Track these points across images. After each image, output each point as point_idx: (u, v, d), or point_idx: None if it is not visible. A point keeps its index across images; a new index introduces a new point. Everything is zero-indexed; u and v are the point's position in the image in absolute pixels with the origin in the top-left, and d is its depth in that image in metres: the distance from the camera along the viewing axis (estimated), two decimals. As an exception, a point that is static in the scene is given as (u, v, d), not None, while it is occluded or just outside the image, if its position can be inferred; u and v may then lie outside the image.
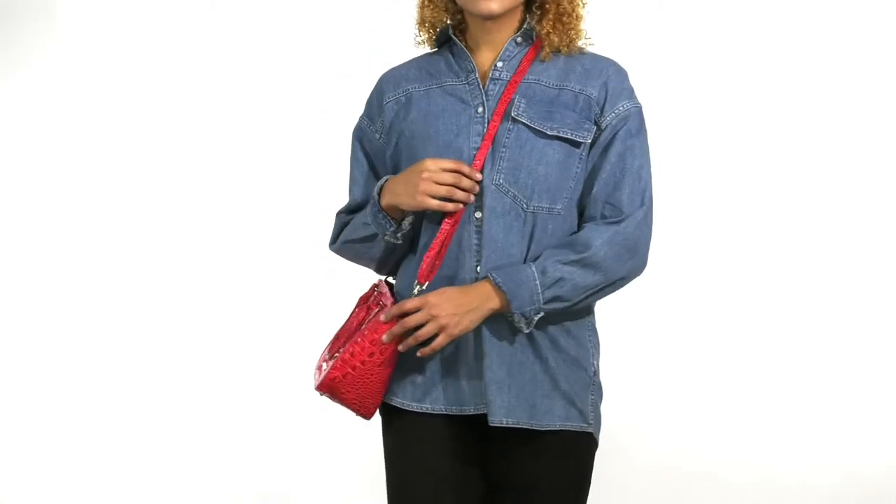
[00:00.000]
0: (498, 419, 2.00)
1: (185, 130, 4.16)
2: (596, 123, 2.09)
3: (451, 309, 1.96)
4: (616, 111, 2.12)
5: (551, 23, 2.09)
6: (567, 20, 2.10)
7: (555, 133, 2.04)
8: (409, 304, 1.97)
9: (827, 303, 4.09)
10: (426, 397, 2.04)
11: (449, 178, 1.98)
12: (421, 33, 2.15)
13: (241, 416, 4.07)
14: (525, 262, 2.02)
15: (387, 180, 2.06)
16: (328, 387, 2.00)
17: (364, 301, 2.11)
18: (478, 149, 2.03)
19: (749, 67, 4.13)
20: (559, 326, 2.06)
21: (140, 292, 4.14)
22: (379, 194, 2.06)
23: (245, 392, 4.09)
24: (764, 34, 4.13)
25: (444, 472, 2.05)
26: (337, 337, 2.10)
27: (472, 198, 2.00)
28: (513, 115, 2.05)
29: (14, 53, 4.19)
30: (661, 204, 4.06)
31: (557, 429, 2.03)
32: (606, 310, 3.97)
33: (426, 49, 2.18)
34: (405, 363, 2.05)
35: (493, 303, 1.97)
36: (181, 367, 4.11)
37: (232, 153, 4.15)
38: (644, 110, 2.25)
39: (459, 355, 2.04)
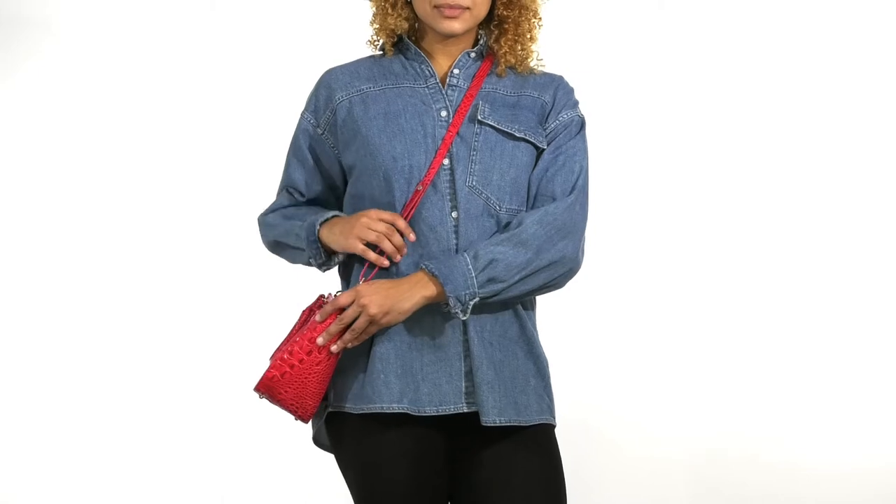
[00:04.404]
0: (492, 419, 2.03)
1: (185, 131, 4.16)
2: (543, 128, 2.14)
3: (380, 300, 1.97)
4: (560, 118, 2.16)
5: (510, 42, 2.14)
6: (523, 41, 2.15)
7: (522, 135, 2.10)
8: (342, 298, 1.99)
9: (824, 299, 4.09)
10: (403, 398, 2.03)
11: (382, 227, 2.01)
12: (380, 38, 2.18)
13: (241, 417, 4.07)
14: None
15: (333, 216, 2.09)
16: (265, 386, 2.00)
17: (309, 311, 2.11)
18: (436, 152, 2.06)
19: (750, 67, 4.13)
20: (522, 322, 2.09)
21: (139, 293, 4.13)
22: (321, 225, 2.08)
23: (244, 392, 4.09)
24: (765, 33, 4.13)
25: (419, 476, 2.05)
26: (284, 341, 2.10)
27: (399, 257, 2.03)
28: (479, 117, 2.09)
29: (13, 54, 4.18)
30: (662, 203, 4.08)
31: (535, 423, 2.08)
32: (602, 304, 4.00)
33: (373, 51, 2.21)
34: (379, 363, 2.04)
35: (428, 290, 1.99)
36: (181, 367, 4.11)
37: (232, 154, 4.15)
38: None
39: (440, 355, 2.04)
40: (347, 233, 2.03)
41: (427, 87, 2.13)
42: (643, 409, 3.99)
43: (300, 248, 2.12)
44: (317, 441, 2.19)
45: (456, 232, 2.05)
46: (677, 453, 3.98)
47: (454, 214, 2.05)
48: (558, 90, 2.18)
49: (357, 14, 4.22)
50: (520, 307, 2.10)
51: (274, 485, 4.06)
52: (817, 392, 4.05)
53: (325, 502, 3.97)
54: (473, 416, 2.05)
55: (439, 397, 2.04)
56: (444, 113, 2.10)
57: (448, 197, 2.06)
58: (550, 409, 2.12)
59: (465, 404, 2.04)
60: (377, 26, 2.17)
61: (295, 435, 4.03)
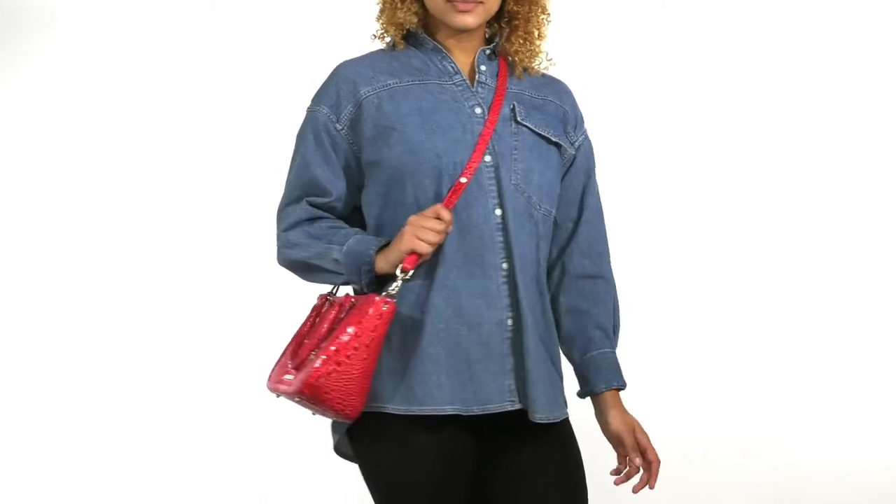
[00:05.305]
0: (544, 416, 2.03)
1: (186, 131, 4.16)
2: (568, 138, 2.17)
3: None
4: (583, 132, 2.20)
5: (520, 40, 2.13)
6: (532, 39, 2.14)
7: (556, 140, 2.11)
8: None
9: (824, 299, 4.09)
10: (455, 399, 2.01)
11: (440, 226, 1.97)
12: (388, 33, 2.13)
13: (241, 417, 4.07)
14: (536, 261, 2.08)
15: (384, 245, 2.02)
16: (311, 387, 1.92)
17: (318, 310, 2.07)
18: (475, 147, 2.04)
19: (752, 66, 4.12)
20: (549, 318, 2.11)
21: (140, 293, 4.13)
22: (376, 254, 2.01)
23: (244, 393, 4.09)
24: (766, 33, 4.13)
25: (453, 478, 2.04)
26: (298, 344, 2.05)
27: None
28: (518, 118, 2.08)
29: (14, 54, 4.18)
30: (663, 204, 4.08)
31: (564, 418, 2.10)
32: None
33: (380, 45, 2.17)
34: (431, 364, 2.01)
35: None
36: (181, 368, 4.11)
37: (232, 154, 4.15)
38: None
39: (486, 353, 2.02)
40: (395, 245, 1.98)
41: (454, 83, 2.09)
42: (643, 409, 3.98)
43: (336, 273, 2.05)
44: (339, 448, 2.14)
45: (503, 230, 2.03)
46: (677, 453, 3.97)
47: (498, 212, 2.03)
48: (573, 102, 2.21)
49: (356, 13, 4.23)
50: (548, 304, 2.12)
51: (274, 485, 4.06)
52: (818, 392, 4.04)
53: (325, 502, 3.97)
54: (503, 414, 2.04)
55: (486, 396, 2.02)
56: (478, 110, 2.07)
57: (492, 194, 2.04)
58: (566, 402, 2.13)
59: (509, 402, 2.03)
60: (385, 20, 2.14)
61: (296, 434, 4.03)
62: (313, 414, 2.01)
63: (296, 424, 4.02)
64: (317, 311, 2.07)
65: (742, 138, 4.12)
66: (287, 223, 2.11)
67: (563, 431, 2.11)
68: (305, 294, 4.19)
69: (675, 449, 3.97)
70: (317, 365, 1.93)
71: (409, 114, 2.05)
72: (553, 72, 2.23)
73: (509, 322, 2.03)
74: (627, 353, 4.11)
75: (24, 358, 4.12)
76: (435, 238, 1.96)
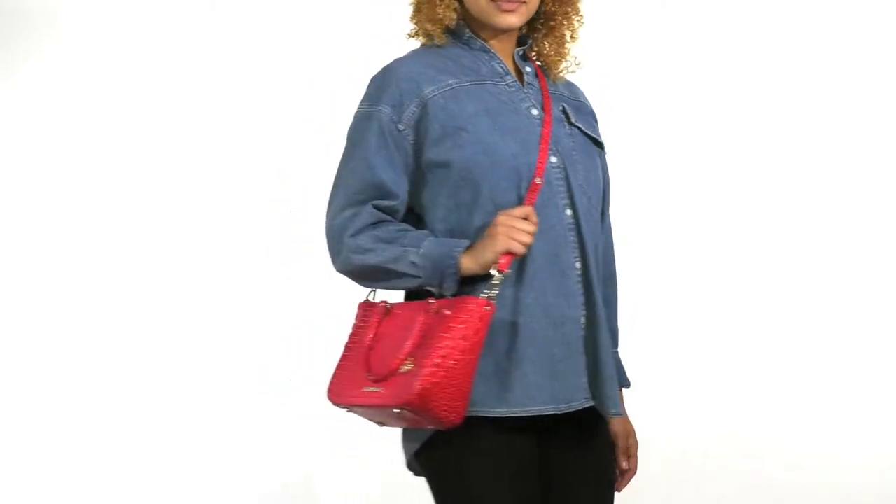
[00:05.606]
0: (615, 411, 2.06)
1: (186, 131, 4.16)
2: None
3: None
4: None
5: (556, 42, 2.13)
6: (563, 42, 2.14)
7: (601, 141, 2.15)
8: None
9: (826, 300, 4.09)
10: (551, 399, 2.01)
11: (531, 227, 1.95)
12: (429, 29, 2.09)
13: (241, 417, 4.07)
14: (600, 260, 2.12)
15: (467, 247, 1.97)
16: (422, 396, 1.85)
17: (375, 317, 2.01)
18: (540, 148, 2.03)
19: (752, 66, 4.13)
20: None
21: (140, 293, 4.13)
22: (461, 255, 1.97)
23: (245, 393, 4.09)
24: (767, 32, 4.13)
25: (532, 479, 2.04)
26: (364, 355, 1.98)
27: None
28: (572, 120, 2.10)
29: (14, 54, 4.18)
30: (664, 204, 4.08)
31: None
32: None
33: (417, 42, 2.15)
34: (529, 365, 2.00)
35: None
36: (182, 368, 4.11)
37: (232, 154, 4.15)
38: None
39: (568, 352, 2.03)
40: (489, 245, 1.95)
41: (506, 84, 2.08)
42: (644, 410, 3.98)
43: (412, 276, 1.99)
44: (419, 456, 2.06)
45: (575, 229, 2.03)
46: (677, 453, 3.98)
47: (569, 212, 2.03)
48: (590, 103, 2.22)
49: (356, 14, 4.24)
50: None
51: (275, 485, 4.06)
52: (818, 392, 4.04)
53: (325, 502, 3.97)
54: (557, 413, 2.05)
55: (570, 394, 2.02)
56: (534, 112, 2.06)
57: (562, 195, 2.03)
58: None
59: (585, 399, 2.04)
60: (423, 17, 2.09)
61: (296, 434, 4.03)
62: (380, 426, 1.99)
63: (296, 425, 4.02)
64: (377, 318, 2.01)
65: (742, 138, 4.12)
66: (355, 227, 2.01)
67: (606, 430, 2.16)
68: (306, 294, 4.21)
69: (675, 449, 3.98)
70: (426, 373, 1.86)
71: (476, 114, 2.02)
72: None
73: (582, 320, 2.04)
74: (628, 353, 4.11)
75: (24, 358, 4.12)
76: (528, 239, 1.95)
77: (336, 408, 2.02)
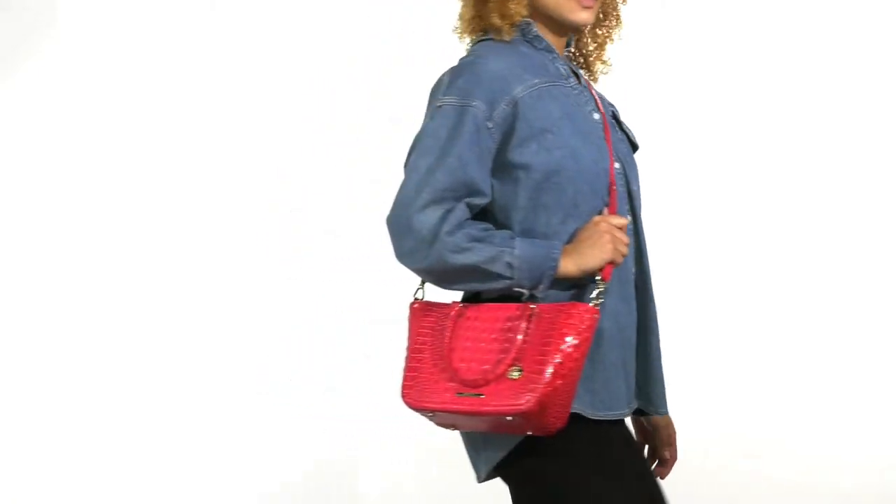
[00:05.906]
0: (665, 410, 2.11)
1: (186, 131, 4.16)
2: None
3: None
4: None
5: (600, 45, 2.15)
6: (605, 45, 2.17)
7: (638, 145, 2.17)
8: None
9: (826, 301, 4.09)
10: (630, 401, 2.05)
11: (627, 239, 1.98)
12: (496, 23, 2.03)
13: (241, 417, 4.07)
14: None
15: (562, 248, 1.93)
16: (542, 403, 1.82)
17: (451, 320, 1.96)
18: (608, 153, 2.02)
19: (751, 66, 4.12)
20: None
21: (140, 293, 4.14)
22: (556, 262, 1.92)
23: (245, 393, 4.09)
24: (766, 32, 4.13)
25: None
26: (442, 358, 1.93)
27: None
28: (623, 127, 2.12)
29: (14, 54, 4.18)
30: (664, 204, 4.08)
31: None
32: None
33: (457, 36, 2.10)
34: (613, 369, 2.01)
35: None
36: (182, 368, 4.11)
37: (232, 154, 4.15)
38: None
39: (630, 355, 2.05)
40: (597, 253, 1.93)
41: (570, 87, 2.05)
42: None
43: (504, 277, 1.91)
44: (506, 462, 2.00)
45: (635, 234, 2.07)
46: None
47: (630, 218, 2.06)
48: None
49: (357, 14, 4.24)
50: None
51: (274, 485, 4.06)
52: (818, 392, 4.04)
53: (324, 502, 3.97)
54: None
55: (630, 396, 2.06)
56: (595, 116, 2.05)
57: (625, 200, 2.05)
58: None
59: (636, 401, 2.09)
60: (493, 12, 2.03)
61: (296, 435, 4.03)
62: (450, 429, 1.96)
63: (296, 424, 4.02)
64: (452, 321, 1.95)
65: (742, 138, 4.12)
66: (451, 225, 1.90)
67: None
68: (306, 294, 4.20)
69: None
70: (546, 381, 1.83)
71: (560, 116, 1.98)
72: None
73: (636, 325, 2.07)
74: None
75: (24, 358, 4.12)
76: (626, 251, 1.97)
77: (415, 412, 1.95)
